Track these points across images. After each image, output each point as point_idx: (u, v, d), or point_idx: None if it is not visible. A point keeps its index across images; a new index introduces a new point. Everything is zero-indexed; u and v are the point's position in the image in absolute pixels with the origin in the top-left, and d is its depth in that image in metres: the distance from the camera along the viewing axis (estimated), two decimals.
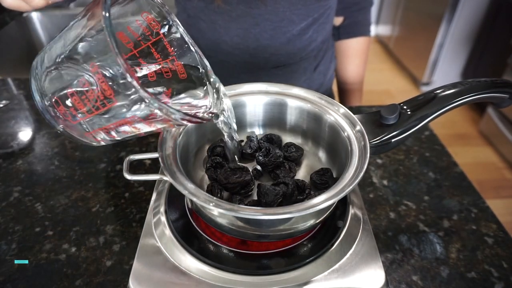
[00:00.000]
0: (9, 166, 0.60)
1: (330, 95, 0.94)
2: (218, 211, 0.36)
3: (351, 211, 0.44)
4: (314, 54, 0.80)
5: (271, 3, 0.68)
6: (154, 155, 0.39)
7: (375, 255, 0.40)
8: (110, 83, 0.30)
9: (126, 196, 0.54)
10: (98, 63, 0.31)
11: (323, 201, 0.34)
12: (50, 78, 0.34)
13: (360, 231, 0.42)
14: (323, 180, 0.44)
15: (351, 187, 0.35)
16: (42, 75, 0.34)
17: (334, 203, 0.37)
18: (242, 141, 0.50)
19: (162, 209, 0.44)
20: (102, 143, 0.38)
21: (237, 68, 0.77)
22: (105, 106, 0.32)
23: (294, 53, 0.76)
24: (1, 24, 1.08)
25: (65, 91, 0.33)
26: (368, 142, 0.40)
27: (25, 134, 0.68)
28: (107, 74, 0.30)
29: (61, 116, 0.35)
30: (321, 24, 0.76)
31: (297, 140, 0.51)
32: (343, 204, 0.45)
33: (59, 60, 0.33)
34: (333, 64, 0.91)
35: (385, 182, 0.58)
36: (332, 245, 0.41)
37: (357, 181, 0.35)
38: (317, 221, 0.40)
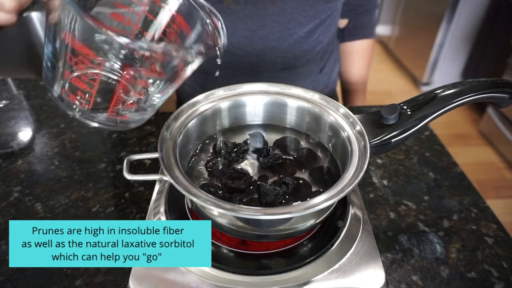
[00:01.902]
0: (9, 166, 0.60)
1: (334, 95, 0.94)
2: (218, 211, 0.36)
3: (351, 211, 0.45)
4: (320, 56, 0.80)
5: (279, 4, 0.67)
6: (154, 155, 0.39)
7: (375, 255, 0.40)
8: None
9: (126, 196, 0.54)
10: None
11: (323, 201, 0.34)
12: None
13: (360, 231, 0.42)
14: (322, 179, 0.44)
15: (351, 187, 0.35)
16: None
17: (334, 203, 0.37)
18: (247, 139, 0.50)
19: (162, 209, 0.44)
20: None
21: (243, 70, 0.76)
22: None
23: (301, 55, 0.76)
24: None
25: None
26: (368, 142, 0.40)
27: (25, 134, 0.68)
28: None
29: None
30: (328, 26, 0.76)
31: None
32: (343, 204, 0.45)
33: None
34: (338, 65, 0.91)
35: (385, 182, 0.58)
36: (332, 245, 0.41)
37: (357, 181, 0.35)
38: (317, 221, 0.40)
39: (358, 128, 0.42)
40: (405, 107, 0.44)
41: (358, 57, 0.89)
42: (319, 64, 0.81)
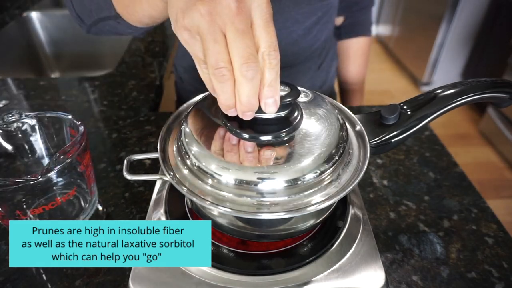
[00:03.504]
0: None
1: (332, 92, 0.95)
2: (218, 211, 0.36)
3: (351, 211, 0.44)
4: (318, 53, 0.81)
5: (276, 3, 0.68)
6: (154, 155, 0.39)
7: (375, 255, 0.40)
8: None
9: (126, 196, 0.54)
10: None
11: (323, 201, 0.34)
12: None
13: (360, 231, 0.42)
14: None
15: (351, 187, 0.35)
16: None
17: (334, 203, 0.37)
18: None
19: (162, 209, 0.44)
20: None
21: None
22: None
23: (299, 53, 0.76)
24: (1, 24, 1.08)
25: None
26: (368, 142, 0.40)
27: None
28: None
29: None
30: (324, 23, 0.77)
31: None
32: (343, 204, 0.45)
33: None
34: (335, 62, 0.91)
35: (385, 182, 0.58)
36: (332, 245, 0.41)
37: (357, 181, 0.35)
38: (317, 221, 0.40)
39: (358, 128, 0.42)
40: (405, 107, 0.44)
41: (355, 56, 0.89)
42: (317, 61, 0.81)
